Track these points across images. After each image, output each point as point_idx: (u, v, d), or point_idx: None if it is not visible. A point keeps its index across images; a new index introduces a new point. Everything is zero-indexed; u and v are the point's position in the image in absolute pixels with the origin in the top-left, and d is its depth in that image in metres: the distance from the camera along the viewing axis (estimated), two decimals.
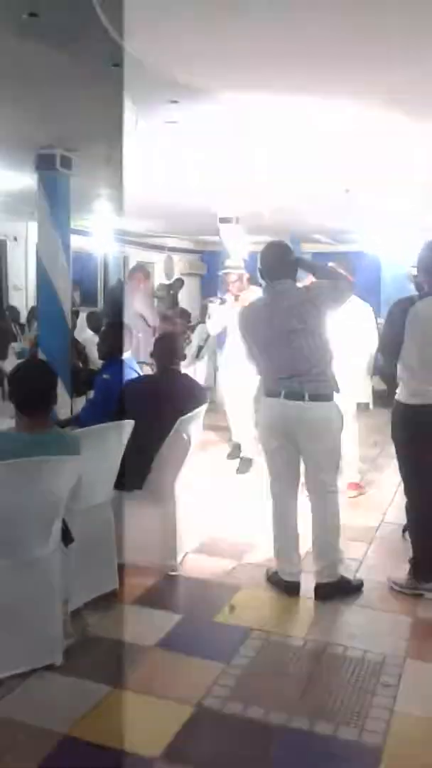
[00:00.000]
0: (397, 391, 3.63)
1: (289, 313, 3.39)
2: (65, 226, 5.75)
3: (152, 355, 3.96)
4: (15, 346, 8.13)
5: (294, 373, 3.40)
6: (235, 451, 6.40)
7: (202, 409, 3.89)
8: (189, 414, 3.71)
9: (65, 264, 5.70)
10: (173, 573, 3.78)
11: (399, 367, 3.52)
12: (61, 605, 2.90)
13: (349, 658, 3.00)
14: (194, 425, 3.81)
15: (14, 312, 10.17)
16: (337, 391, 3.48)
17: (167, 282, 12.75)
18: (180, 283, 12.53)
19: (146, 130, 5.03)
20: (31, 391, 2.87)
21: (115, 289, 6.96)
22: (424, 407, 3.43)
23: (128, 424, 3.40)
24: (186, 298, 15.32)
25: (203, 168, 6.82)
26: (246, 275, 6.25)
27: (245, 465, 6.02)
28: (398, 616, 3.41)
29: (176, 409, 3.68)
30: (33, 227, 7.31)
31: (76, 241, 11.55)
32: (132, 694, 2.68)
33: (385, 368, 3.90)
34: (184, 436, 3.69)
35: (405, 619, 3.37)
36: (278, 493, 3.60)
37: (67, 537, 2.97)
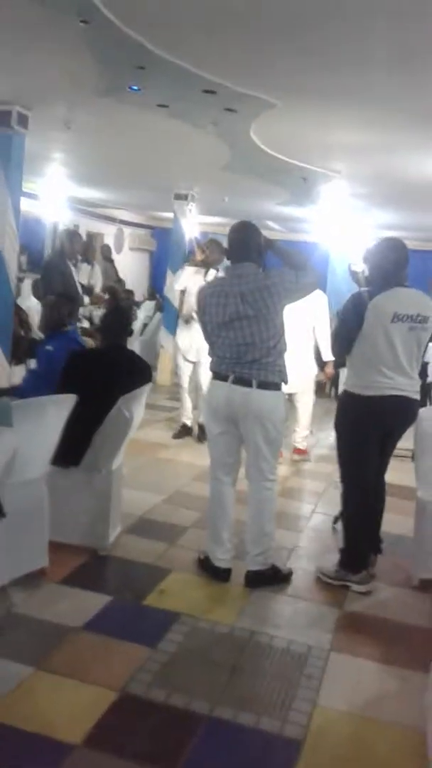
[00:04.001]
0: (345, 382, 3.68)
1: (243, 299, 3.33)
2: (17, 188, 5.54)
3: (99, 328, 3.84)
4: None
5: (243, 359, 3.37)
6: (183, 431, 6.44)
7: (147, 387, 3.81)
8: (133, 392, 3.63)
9: (14, 227, 5.49)
10: (104, 553, 3.71)
11: (352, 358, 3.56)
12: None
13: (275, 648, 3.01)
14: (138, 404, 3.73)
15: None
16: (285, 381, 3.47)
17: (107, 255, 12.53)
18: (107, 248, 12.47)
19: (108, 95, 4.86)
20: None
21: (53, 257, 6.65)
22: (376, 399, 3.47)
23: (69, 399, 3.30)
24: (135, 274, 15.12)
25: (163, 144, 6.68)
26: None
27: (204, 434, 6.06)
28: (325, 607, 3.44)
29: (120, 386, 3.59)
30: None
31: (25, 205, 11.35)
32: (55, 676, 2.62)
33: (338, 359, 3.92)
34: (126, 414, 3.61)
35: (331, 610, 3.41)
36: (217, 478, 3.59)
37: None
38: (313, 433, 6.58)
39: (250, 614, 3.27)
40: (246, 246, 3.45)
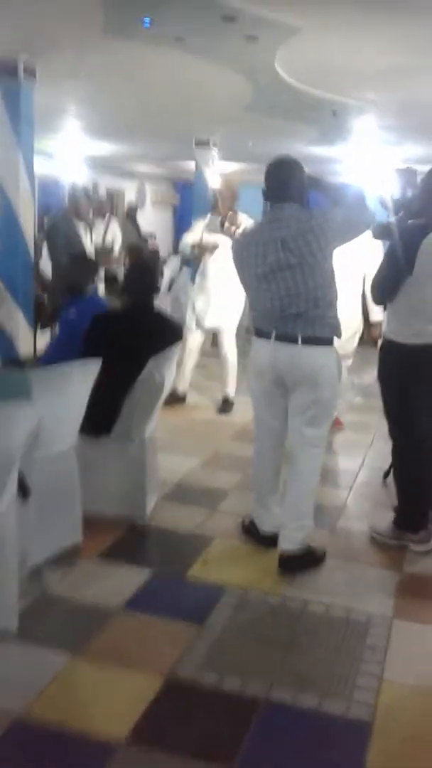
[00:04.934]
0: (388, 329, 3.35)
1: (285, 245, 2.93)
2: (29, 145, 5.25)
3: (124, 287, 3.57)
4: None
5: (287, 313, 3.00)
6: (172, 399, 5.62)
7: (177, 347, 3.55)
8: (163, 353, 3.37)
9: (28, 188, 5.20)
10: (142, 524, 3.51)
11: (396, 304, 3.22)
12: (15, 565, 2.60)
13: (332, 618, 2.78)
14: (168, 365, 3.47)
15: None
16: (338, 335, 3.10)
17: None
18: (132, 209, 11.99)
19: (118, 33, 4.49)
20: None
21: (57, 219, 6.15)
22: (425, 347, 3.15)
23: (94, 364, 3.05)
24: (159, 230, 14.72)
25: (181, 85, 6.27)
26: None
27: (227, 405, 5.75)
28: (383, 570, 3.21)
29: (149, 347, 3.33)
30: None
31: (41, 165, 11.00)
32: (95, 664, 2.43)
33: (378, 302, 3.54)
34: (157, 377, 3.36)
35: (390, 574, 3.17)
36: (261, 440, 3.31)
37: (24, 489, 2.67)
38: (354, 384, 6.28)
39: (302, 582, 3.05)
40: (286, 184, 3.04)
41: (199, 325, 5.73)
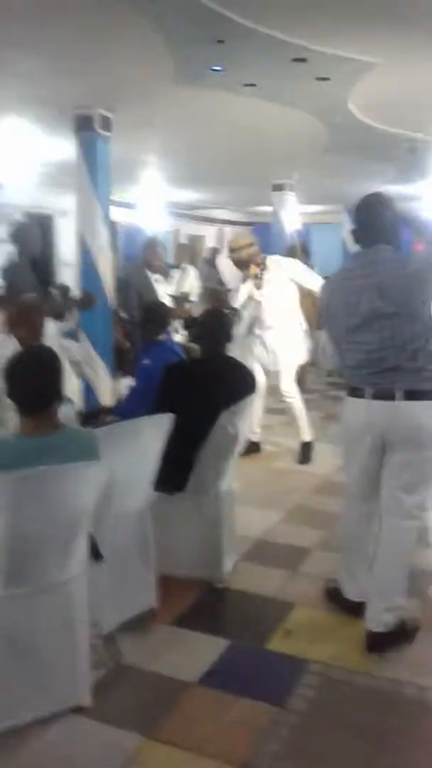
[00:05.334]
0: None
1: (381, 293, 2.68)
2: (106, 195, 5.30)
3: (197, 335, 3.45)
4: (64, 326, 7.75)
5: (383, 367, 2.74)
6: (250, 448, 5.39)
7: (251, 398, 3.37)
8: (237, 404, 3.21)
9: (106, 236, 5.24)
10: (220, 586, 3.31)
11: None
12: (88, 636, 2.46)
13: (428, 704, 2.49)
14: (242, 417, 3.30)
15: (64, 289, 9.81)
16: None
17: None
18: (211, 251, 11.86)
19: (190, 82, 4.48)
20: (31, 386, 2.38)
21: (128, 271, 6.00)
22: None
23: (166, 419, 2.92)
24: (238, 274, 14.76)
25: (254, 129, 6.25)
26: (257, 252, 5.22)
27: (307, 451, 5.51)
28: None
29: (222, 398, 3.18)
30: None
31: (123, 215, 11.26)
32: (166, 747, 2.24)
33: None
34: (231, 429, 3.19)
35: None
36: (351, 506, 3.03)
37: (96, 553, 2.54)
38: None
39: (394, 659, 2.75)
40: (378, 224, 2.79)
41: (261, 367, 5.44)
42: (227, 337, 3.39)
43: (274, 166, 8.26)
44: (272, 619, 3.05)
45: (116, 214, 11.16)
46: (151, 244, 5.75)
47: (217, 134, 6.40)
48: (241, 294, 5.36)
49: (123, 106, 5.09)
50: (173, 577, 3.22)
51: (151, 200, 10.03)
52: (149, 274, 5.54)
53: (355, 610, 2.98)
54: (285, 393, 5.48)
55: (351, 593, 3.05)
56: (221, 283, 12.13)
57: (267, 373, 5.42)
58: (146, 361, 3.87)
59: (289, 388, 5.46)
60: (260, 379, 5.44)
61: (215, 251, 12.85)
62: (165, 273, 6.06)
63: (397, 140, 6.68)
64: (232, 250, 5.21)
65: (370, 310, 2.71)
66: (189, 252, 7.45)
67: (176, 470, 3.18)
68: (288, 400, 5.50)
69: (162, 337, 3.93)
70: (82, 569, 2.41)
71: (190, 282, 7.23)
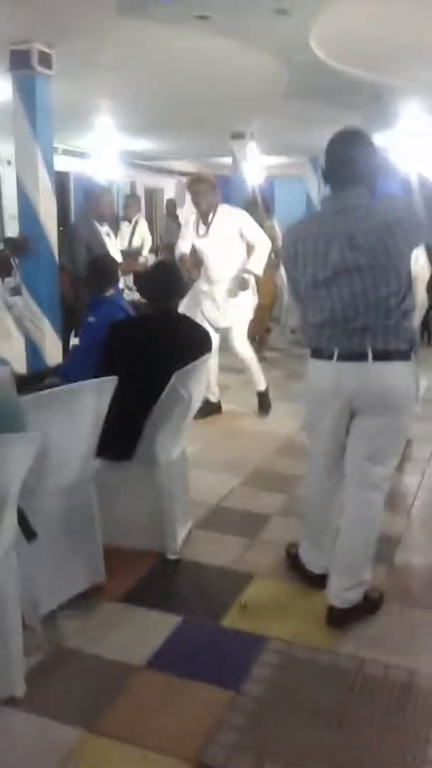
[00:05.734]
0: None
1: (353, 242, 2.39)
2: (48, 139, 4.90)
3: (146, 290, 3.16)
4: (10, 281, 7.36)
5: (353, 325, 2.45)
6: (206, 409, 5.15)
7: (206, 358, 3.12)
8: (190, 365, 2.96)
9: (48, 183, 4.86)
10: (173, 557, 3.11)
11: None
12: (19, 618, 2.23)
13: (392, 681, 2.32)
14: (196, 379, 3.06)
15: (11, 243, 9.34)
16: (416, 350, 2.53)
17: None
18: (171, 204, 11.47)
19: (134, 12, 4.09)
20: None
21: (76, 223, 5.50)
22: None
23: (108, 383, 2.65)
24: None
25: (211, 70, 5.86)
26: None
27: (265, 401, 5.42)
28: None
29: (173, 358, 2.93)
30: None
31: (75, 165, 10.74)
32: (110, 742, 2.03)
33: None
34: (183, 392, 2.95)
35: None
36: (315, 477, 2.81)
37: (28, 531, 2.30)
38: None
39: (357, 634, 2.58)
40: (354, 162, 2.47)
41: (214, 328, 5.17)
42: (179, 292, 3.11)
43: (233, 112, 7.87)
44: (229, 592, 2.86)
45: (68, 163, 10.76)
46: (99, 193, 5.36)
47: (170, 76, 5.99)
48: (185, 240, 5.07)
49: (64, 41, 4.68)
50: (123, 550, 3.02)
51: (105, 148, 9.57)
52: (98, 225, 5.16)
53: (318, 581, 2.80)
54: (238, 350, 5.30)
55: (313, 565, 2.87)
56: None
57: (216, 329, 5.17)
58: (91, 319, 3.59)
59: (242, 345, 5.30)
60: (212, 336, 5.22)
61: (174, 204, 12.45)
62: (114, 224, 5.69)
63: (361, 85, 6.36)
64: (193, 181, 4.93)
65: (339, 261, 2.43)
66: (139, 203, 7.01)
67: (123, 437, 2.95)
68: (241, 356, 5.34)
69: (110, 292, 3.64)
70: (8, 548, 2.17)
71: (142, 235, 6.86)
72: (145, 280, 3.08)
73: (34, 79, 4.72)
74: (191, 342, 3.07)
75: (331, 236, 2.45)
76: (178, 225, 12.08)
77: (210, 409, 5.33)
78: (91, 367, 3.02)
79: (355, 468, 2.61)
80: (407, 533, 3.44)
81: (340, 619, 2.62)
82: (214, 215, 4.87)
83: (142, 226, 6.91)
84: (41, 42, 4.65)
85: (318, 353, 2.60)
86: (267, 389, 5.43)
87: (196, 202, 4.86)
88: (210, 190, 4.81)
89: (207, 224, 4.89)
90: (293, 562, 2.98)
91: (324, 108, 7.41)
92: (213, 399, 5.38)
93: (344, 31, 4.74)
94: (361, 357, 2.48)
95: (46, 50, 4.71)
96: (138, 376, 2.88)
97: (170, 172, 13.98)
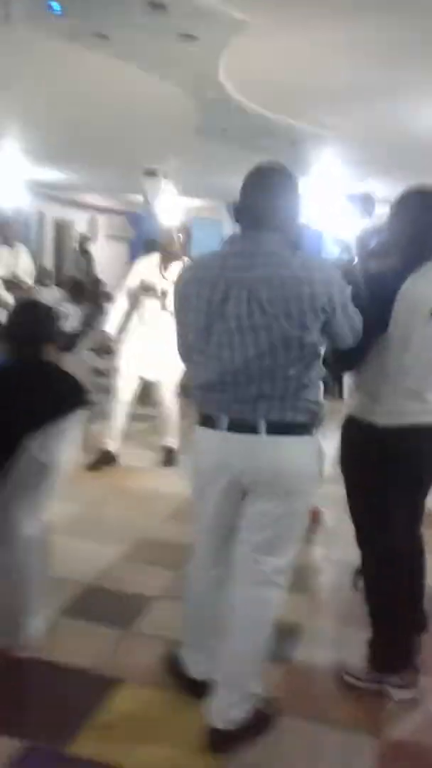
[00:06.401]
0: (354, 403, 2.51)
1: (254, 296, 1.99)
2: None
3: (4, 333, 2.64)
4: None
5: (244, 392, 2.05)
6: (102, 459, 4.94)
7: (76, 416, 2.61)
8: (50, 427, 2.44)
9: None
10: (22, 655, 2.54)
11: (363, 371, 2.41)
12: None
13: None
14: (61, 440, 2.54)
15: None
16: (318, 423, 2.14)
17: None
18: (84, 238, 10.99)
19: (24, 21, 3.66)
20: None
21: None
22: (401, 431, 2.31)
23: None
24: (111, 266, 13.89)
25: (115, 99, 5.49)
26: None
27: (171, 457, 5.11)
28: (355, 735, 2.30)
29: (26, 419, 2.41)
30: None
31: None
32: None
33: (339, 371, 2.68)
34: (43, 458, 2.44)
35: (366, 740, 2.27)
36: (199, 567, 2.34)
37: None
38: None
39: (244, 762, 2.11)
40: (272, 203, 2.08)
41: (132, 371, 4.95)
42: (48, 337, 2.61)
43: (144, 146, 7.51)
44: (86, 705, 2.33)
45: None
46: None
47: (73, 99, 5.59)
48: (132, 277, 4.98)
49: None
50: None
51: (9, 174, 9.03)
52: None
53: (199, 689, 2.30)
54: (167, 404, 5.11)
55: (194, 669, 2.39)
56: (89, 272, 11.29)
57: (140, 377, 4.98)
58: None
59: (171, 398, 5.08)
60: (131, 383, 4.94)
61: (87, 239, 11.93)
62: None
63: (276, 128, 6.16)
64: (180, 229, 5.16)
65: (235, 315, 2.02)
66: (15, 229, 6.57)
67: None
68: (168, 410, 5.12)
69: None
70: None
71: (24, 263, 6.41)
72: (7, 322, 2.57)
73: None
74: (59, 397, 2.56)
75: (231, 283, 2.03)
76: (87, 260, 11.61)
77: (104, 459, 4.89)
78: None
79: (245, 560, 2.17)
80: (310, 620, 3.01)
81: (222, 743, 2.15)
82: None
83: (23, 253, 6.47)
84: None
85: (204, 420, 2.16)
86: (177, 449, 5.09)
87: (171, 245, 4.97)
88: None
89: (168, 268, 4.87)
90: (172, 663, 2.49)
91: (238, 151, 7.17)
92: (111, 447, 4.91)
93: (255, 68, 4.48)
94: (252, 429, 2.06)
95: None
96: None
97: (82, 206, 13.51)
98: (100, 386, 7.19)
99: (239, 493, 2.15)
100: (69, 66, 4.61)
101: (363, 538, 2.50)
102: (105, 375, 7.75)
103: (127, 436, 5.46)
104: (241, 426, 2.07)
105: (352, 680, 2.50)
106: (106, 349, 5.25)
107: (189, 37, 3.89)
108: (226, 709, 2.15)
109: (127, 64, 4.41)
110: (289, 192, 2.13)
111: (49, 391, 2.49)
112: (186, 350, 2.23)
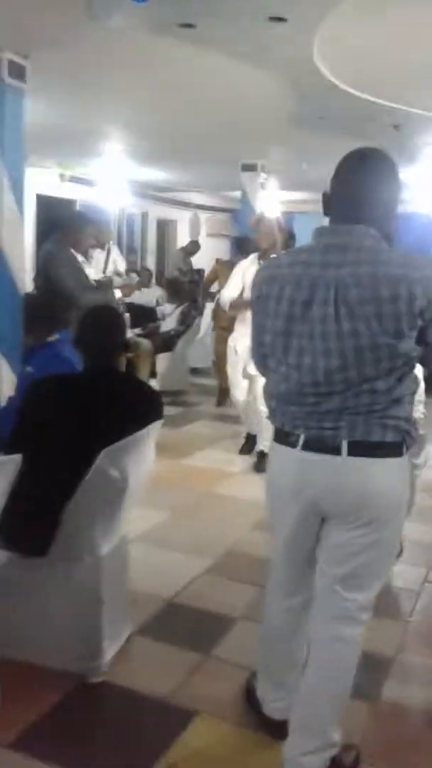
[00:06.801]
0: None
1: (342, 293, 1.75)
2: (17, 159, 4.36)
3: (76, 340, 2.54)
4: None
5: (326, 407, 1.82)
6: (248, 445, 5.15)
7: (153, 428, 2.47)
8: (125, 440, 2.31)
9: (14, 206, 4.31)
10: (96, 680, 2.43)
11: None
12: None
13: None
14: (136, 455, 2.41)
15: None
16: (409, 444, 1.87)
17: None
18: (194, 246, 10.88)
19: (107, 17, 3.55)
20: None
21: (45, 250, 4.88)
22: None
23: (10, 463, 2.02)
24: (212, 263, 13.81)
25: (209, 92, 5.34)
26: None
27: (263, 461, 4.76)
28: None
29: (101, 430, 2.29)
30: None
31: (82, 192, 10.32)
32: None
33: None
34: (115, 473, 2.30)
35: None
36: (276, 598, 2.12)
37: None
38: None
39: None
40: (371, 194, 1.83)
41: (244, 370, 4.89)
42: (119, 345, 2.47)
43: (240, 142, 7.34)
44: (160, 739, 2.18)
45: (75, 190, 10.34)
46: (76, 218, 4.76)
47: (163, 95, 5.48)
48: (233, 288, 4.85)
49: (37, 50, 4.17)
50: (34, 667, 2.36)
51: (113, 176, 9.13)
52: (75, 254, 4.61)
53: (279, 729, 2.10)
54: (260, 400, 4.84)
55: (272, 707, 2.19)
56: (190, 273, 11.22)
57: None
58: (29, 368, 2.98)
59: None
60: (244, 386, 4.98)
61: (197, 246, 11.82)
62: (87, 253, 5.12)
63: (377, 112, 5.78)
64: (256, 221, 5.10)
65: (320, 318, 1.78)
66: (107, 232, 6.58)
67: (34, 528, 2.30)
68: (260, 405, 4.79)
69: (52, 337, 3.03)
70: None
71: (115, 261, 6.43)
72: (78, 327, 2.46)
73: (3, 92, 4.20)
74: (132, 408, 2.42)
75: (317, 282, 1.79)
76: (189, 264, 11.58)
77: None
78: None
79: (325, 594, 1.94)
80: (402, 652, 2.73)
81: None
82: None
83: (115, 252, 6.48)
84: (12, 50, 4.15)
85: (280, 436, 1.94)
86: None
87: (271, 241, 4.82)
88: (268, 231, 4.87)
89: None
90: (252, 698, 2.29)
91: (338, 139, 6.84)
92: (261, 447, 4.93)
93: (351, 45, 4.18)
94: (333, 449, 1.82)
95: (18, 61, 4.20)
96: (54, 451, 2.25)
97: (185, 204, 13.52)
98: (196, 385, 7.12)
99: (318, 518, 1.92)
100: (160, 61, 4.49)
101: None
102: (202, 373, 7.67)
103: (216, 438, 5.34)
104: (321, 445, 1.83)
105: None
106: None
107: (279, 20, 3.65)
108: (299, 758, 1.93)
109: (217, 54, 4.23)
110: (388, 179, 1.87)
111: (125, 402, 2.35)
112: (262, 357, 2.00)
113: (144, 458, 2.46)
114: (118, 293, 5.81)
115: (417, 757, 2.16)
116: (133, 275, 8.40)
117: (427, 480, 3.85)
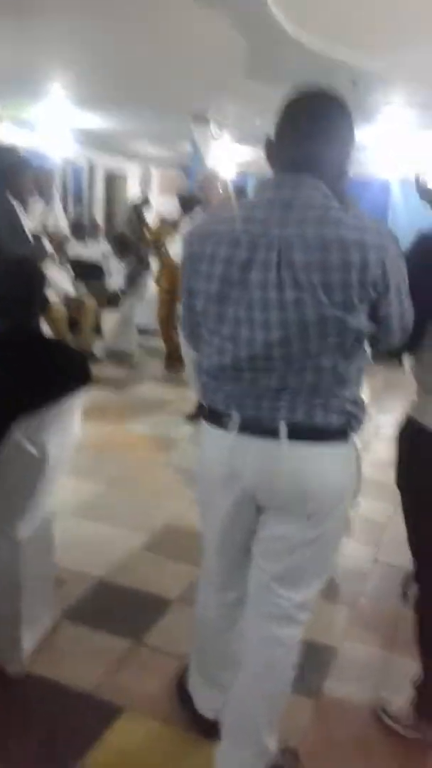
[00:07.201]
0: (418, 407, 1.99)
1: (286, 255, 1.51)
2: None
3: None
4: None
5: (265, 383, 1.60)
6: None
7: (75, 399, 2.22)
8: (40, 411, 2.06)
9: None
10: (14, 673, 2.23)
11: (424, 360, 1.91)
12: None
13: None
14: (56, 428, 2.16)
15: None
16: (355, 427, 1.66)
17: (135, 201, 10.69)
18: (144, 202, 10.45)
19: None
20: None
21: None
22: None
23: None
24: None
25: (159, 33, 4.98)
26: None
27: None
28: None
29: (15, 402, 2.04)
30: None
31: (26, 139, 9.75)
32: None
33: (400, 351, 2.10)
34: (32, 450, 2.06)
35: None
36: (208, 594, 1.94)
37: None
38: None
39: None
40: (318, 138, 1.58)
41: None
42: (35, 301, 2.20)
43: (192, 88, 6.95)
44: (82, 739, 2.00)
45: (17, 136, 9.76)
46: (18, 164, 4.34)
47: (118, 38, 5.09)
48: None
49: None
50: None
51: (56, 122, 8.63)
52: (11, 201, 4.23)
53: (211, 730, 1.94)
54: None
55: (205, 706, 2.02)
56: (140, 234, 10.76)
57: None
58: None
59: None
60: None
61: (146, 202, 11.30)
62: (25, 202, 4.71)
63: (333, 67, 5.49)
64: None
65: (259, 283, 1.54)
66: (49, 180, 6.16)
67: None
68: None
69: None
70: None
71: (56, 217, 6.07)
72: None
73: None
74: (53, 375, 2.17)
75: (257, 242, 1.55)
76: (141, 222, 11.12)
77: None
78: None
79: (259, 591, 1.76)
80: (346, 641, 2.59)
81: None
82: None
83: (57, 205, 6.12)
84: None
85: (211, 416, 1.71)
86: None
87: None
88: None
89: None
90: (183, 694, 2.13)
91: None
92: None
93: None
94: (270, 432, 1.61)
95: None
96: None
97: (136, 157, 12.99)
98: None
99: (253, 508, 1.73)
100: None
101: (423, 571, 2.03)
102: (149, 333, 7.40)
103: (163, 402, 5.12)
104: (257, 427, 1.62)
105: (392, 724, 2.09)
106: None
107: None
108: (233, 764, 1.78)
109: None
110: (340, 125, 1.61)
111: (44, 368, 2.10)
112: (192, 326, 1.75)
113: (67, 430, 2.22)
114: (49, 247, 5.46)
115: (359, 757, 2.03)
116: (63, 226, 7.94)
117: (379, 456, 3.73)
